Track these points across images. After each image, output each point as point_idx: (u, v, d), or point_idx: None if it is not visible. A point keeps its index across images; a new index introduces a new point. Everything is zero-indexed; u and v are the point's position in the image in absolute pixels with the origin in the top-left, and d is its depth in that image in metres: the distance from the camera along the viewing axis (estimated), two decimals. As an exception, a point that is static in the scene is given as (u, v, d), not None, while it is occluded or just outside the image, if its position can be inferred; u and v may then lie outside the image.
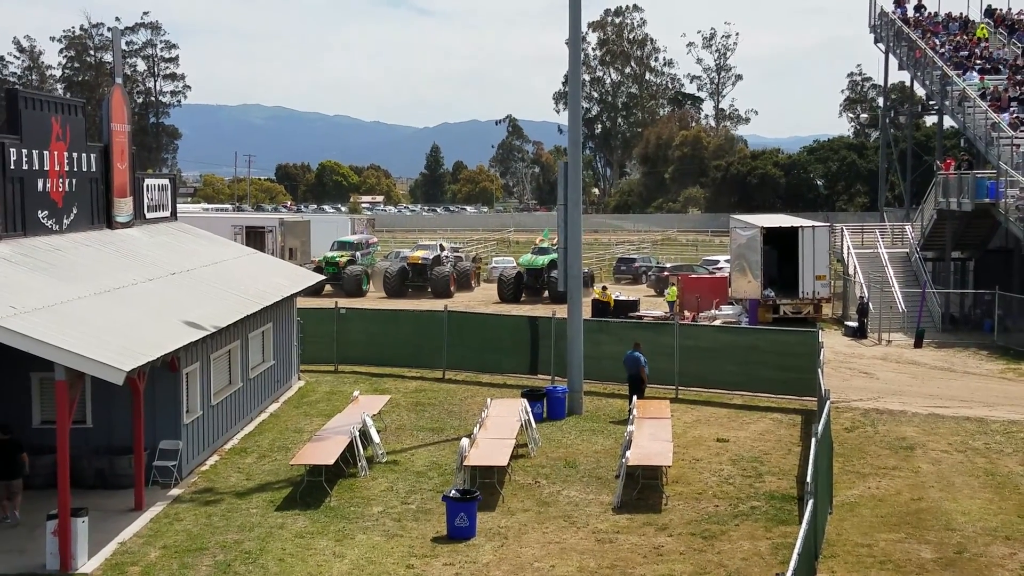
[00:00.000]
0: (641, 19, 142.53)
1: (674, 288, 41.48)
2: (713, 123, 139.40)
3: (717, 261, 53.94)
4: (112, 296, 18.31)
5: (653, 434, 19.55)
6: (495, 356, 28.17)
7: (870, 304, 36.75)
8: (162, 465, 18.26)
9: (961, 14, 53.66)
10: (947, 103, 44.57)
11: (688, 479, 18.93)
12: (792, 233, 38.57)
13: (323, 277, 35.64)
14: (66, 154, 20.53)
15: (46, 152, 19.74)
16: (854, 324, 36.70)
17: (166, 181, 27.28)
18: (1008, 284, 35.46)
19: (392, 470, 19.55)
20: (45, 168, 19.72)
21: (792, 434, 22.31)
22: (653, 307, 41.96)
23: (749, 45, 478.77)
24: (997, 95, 41.36)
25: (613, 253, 68.78)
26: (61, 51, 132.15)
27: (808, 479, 13.58)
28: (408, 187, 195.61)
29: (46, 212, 19.84)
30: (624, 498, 17.60)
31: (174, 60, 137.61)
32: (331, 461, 18.03)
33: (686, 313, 38.60)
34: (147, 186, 25.35)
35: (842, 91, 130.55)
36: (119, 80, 24.39)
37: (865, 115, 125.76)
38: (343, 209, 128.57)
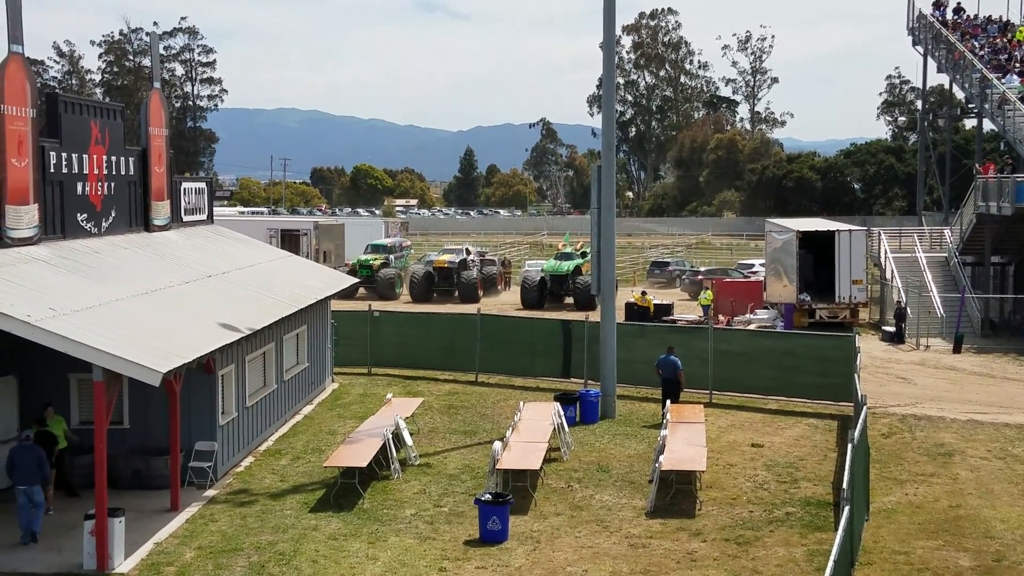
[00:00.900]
0: (676, 22, 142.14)
1: (709, 292, 41.26)
2: (748, 126, 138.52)
3: (752, 265, 53.57)
4: (149, 298, 18.49)
5: (687, 439, 19.44)
6: (528, 359, 28.14)
7: (908, 309, 36.35)
8: (198, 466, 18.40)
9: (1000, 16, 53.05)
10: (987, 106, 44.03)
11: (722, 484, 18.79)
12: (828, 237, 38.24)
13: (357, 280, 35.74)
14: (105, 158, 20.78)
15: (85, 156, 20.00)
16: (891, 329, 36.31)
17: (203, 184, 27.52)
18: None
19: (425, 473, 19.58)
20: (84, 172, 19.96)
21: (828, 440, 22.09)
22: (687, 311, 41.77)
23: (785, 47, 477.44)
24: (1038, 98, 40.78)
25: (647, 257, 68.55)
26: (100, 56, 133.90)
27: (844, 485, 13.44)
28: (442, 190, 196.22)
29: (85, 215, 20.08)
30: (657, 503, 17.51)
31: (211, 64, 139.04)
32: (364, 463, 18.09)
33: (720, 317, 38.38)
34: (184, 189, 25.59)
35: (880, 94, 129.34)
36: (157, 84, 24.65)
37: (903, 118, 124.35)
38: (377, 212, 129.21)
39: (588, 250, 48.18)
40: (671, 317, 38.07)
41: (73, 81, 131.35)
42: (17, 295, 15.34)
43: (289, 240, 51.05)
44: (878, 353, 33.31)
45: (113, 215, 21.22)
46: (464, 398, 26.21)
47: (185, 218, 25.37)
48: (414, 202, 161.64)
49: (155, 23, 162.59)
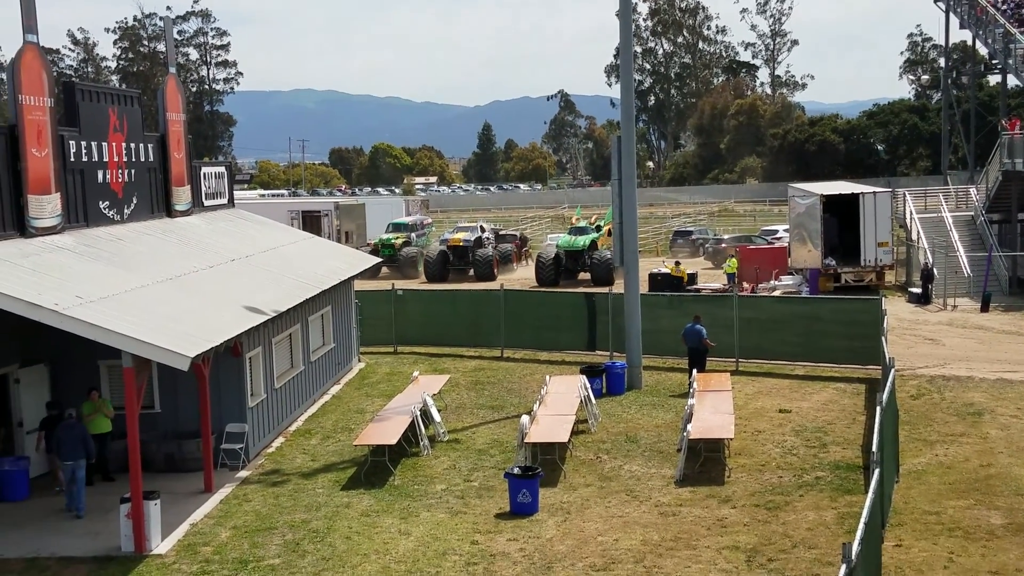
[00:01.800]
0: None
1: (734, 260, 41.07)
2: (769, 91, 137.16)
3: (776, 231, 53.23)
4: (174, 283, 18.62)
5: (714, 407, 19.43)
6: (552, 334, 28.16)
7: (934, 269, 36.06)
8: (229, 448, 18.58)
9: (1023, -32, 52.12)
10: (1010, 61, 43.44)
11: (751, 451, 18.78)
12: (853, 200, 37.94)
13: (379, 259, 35.74)
14: (124, 145, 20.88)
15: (104, 143, 20.09)
16: (918, 290, 36.05)
17: (222, 169, 27.61)
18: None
19: (454, 448, 19.68)
20: (104, 159, 20.07)
21: (856, 403, 22.01)
22: (711, 279, 41.61)
23: (804, 8, 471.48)
24: (1062, 51, 40.21)
25: (669, 227, 68.25)
26: (115, 42, 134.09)
27: (874, 447, 13.40)
28: (461, 167, 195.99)
29: (107, 202, 20.21)
30: (686, 471, 17.53)
31: (225, 47, 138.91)
32: (394, 441, 18.21)
33: (745, 284, 38.22)
34: (204, 174, 25.69)
35: (902, 52, 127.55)
36: (173, 69, 24.69)
37: (926, 76, 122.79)
38: (397, 191, 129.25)
39: (603, 223, 47.97)
40: (695, 286, 37.91)
41: (89, 69, 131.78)
42: (44, 284, 15.48)
43: (310, 221, 51.15)
44: (905, 315, 33.09)
45: (135, 202, 21.34)
46: (490, 374, 26.29)
47: (206, 203, 25.47)
48: (434, 180, 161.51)
49: (168, 8, 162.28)
